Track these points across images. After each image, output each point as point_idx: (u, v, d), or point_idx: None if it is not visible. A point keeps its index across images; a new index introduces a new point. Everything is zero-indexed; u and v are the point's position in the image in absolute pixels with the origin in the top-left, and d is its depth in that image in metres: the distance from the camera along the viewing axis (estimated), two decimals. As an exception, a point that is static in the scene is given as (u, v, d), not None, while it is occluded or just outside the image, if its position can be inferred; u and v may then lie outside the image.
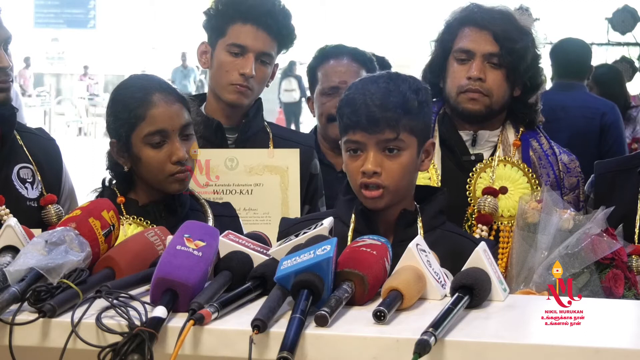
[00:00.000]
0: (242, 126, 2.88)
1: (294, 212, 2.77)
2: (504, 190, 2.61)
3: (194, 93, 14.65)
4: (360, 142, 2.15)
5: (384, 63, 3.59)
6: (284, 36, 2.85)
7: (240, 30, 2.79)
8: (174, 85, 2.53)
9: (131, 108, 2.36)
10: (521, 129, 2.72)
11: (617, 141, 5.06)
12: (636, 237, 2.51)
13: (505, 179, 2.63)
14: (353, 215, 2.23)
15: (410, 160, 2.17)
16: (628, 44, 9.90)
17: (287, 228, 2.23)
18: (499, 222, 2.58)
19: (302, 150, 2.87)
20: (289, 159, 2.81)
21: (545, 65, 2.84)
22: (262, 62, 2.81)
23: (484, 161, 2.67)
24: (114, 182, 2.50)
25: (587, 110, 5.06)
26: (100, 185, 2.52)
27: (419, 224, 2.21)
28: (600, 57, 8.55)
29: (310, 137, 3.19)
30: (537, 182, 2.62)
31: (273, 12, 2.80)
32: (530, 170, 2.65)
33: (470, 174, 2.65)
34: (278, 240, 2.02)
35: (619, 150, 4.94)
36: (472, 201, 2.62)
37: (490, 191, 2.59)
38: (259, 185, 2.79)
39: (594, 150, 4.84)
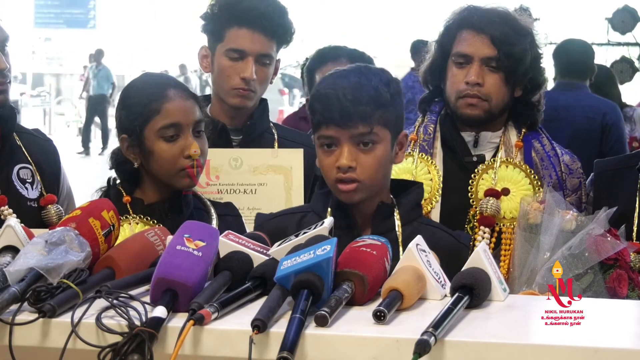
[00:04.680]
0: (247, 128, 2.88)
1: None
2: (506, 191, 2.61)
3: (110, 93, 14.18)
4: (333, 137, 2.15)
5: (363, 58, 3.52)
6: (280, 35, 2.85)
7: (237, 34, 2.79)
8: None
9: (146, 102, 2.38)
10: (523, 130, 2.72)
11: (618, 141, 5.07)
12: (634, 234, 2.52)
13: (507, 180, 2.63)
14: (330, 209, 2.23)
15: (385, 154, 2.18)
16: (628, 44, 9.90)
17: (262, 223, 2.24)
18: (501, 224, 2.58)
19: (308, 152, 2.86)
20: (293, 158, 2.81)
21: (547, 65, 2.83)
22: (262, 63, 2.82)
23: (486, 162, 2.66)
24: (119, 181, 2.51)
25: (589, 110, 5.08)
26: (106, 185, 2.53)
27: (396, 217, 2.22)
28: (600, 57, 8.54)
29: None
30: (539, 183, 2.62)
31: (267, 13, 2.79)
32: (532, 172, 2.64)
33: (472, 176, 2.64)
34: None
35: (620, 150, 4.96)
36: (474, 203, 2.61)
37: (492, 193, 2.59)
38: (263, 185, 2.79)
39: (596, 149, 4.85)
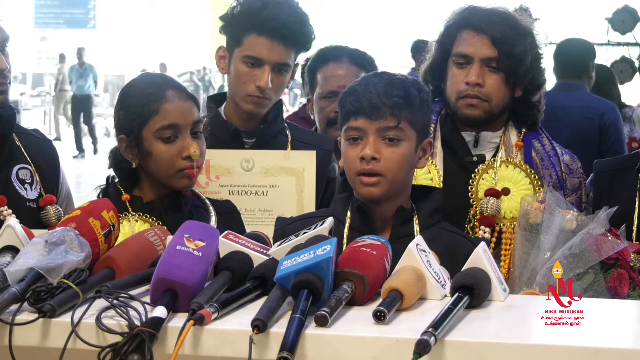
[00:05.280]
0: (260, 132, 2.87)
1: None
2: (506, 191, 2.61)
3: (95, 93, 13.96)
4: (361, 129, 2.17)
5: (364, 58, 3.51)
6: (300, 44, 2.83)
7: (256, 42, 2.76)
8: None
9: (144, 102, 2.39)
10: (523, 130, 2.72)
11: (616, 141, 5.06)
12: (634, 234, 2.51)
13: (507, 180, 2.63)
14: (349, 213, 2.24)
15: (409, 152, 2.20)
16: (628, 44, 9.88)
17: (283, 227, 2.24)
18: (502, 224, 2.58)
19: (321, 154, 2.85)
20: (305, 160, 2.80)
21: (547, 65, 2.83)
22: (279, 71, 2.79)
23: (486, 162, 2.66)
24: (117, 180, 2.51)
25: (587, 111, 5.07)
26: (104, 183, 2.53)
27: (415, 222, 2.23)
28: (600, 57, 8.53)
29: (329, 140, 3.13)
30: (539, 183, 2.62)
31: (288, 23, 2.76)
32: (533, 171, 2.64)
33: (473, 175, 2.64)
34: (274, 239, 2.02)
35: (618, 150, 4.95)
36: (475, 202, 2.61)
37: (492, 193, 2.59)
38: (274, 187, 2.79)
39: (594, 150, 4.85)
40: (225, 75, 2.93)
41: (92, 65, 17.29)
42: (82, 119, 16.85)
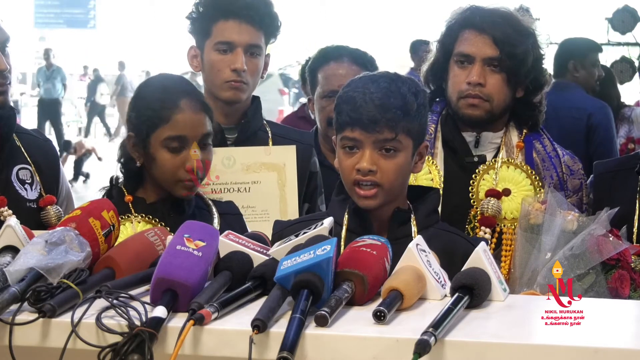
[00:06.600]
0: (241, 126, 2.88)
1: (292, 208, 2.78)
2: (507, 192, 2.60)
3: (62, 96, 13.71)
4: (357, 140, 2.15)
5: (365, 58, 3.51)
6: (268, 25, 2.86)
7: (224, 27, 2.79)
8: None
9: (156, 108, 2.37)
10: (524, 131, 2.72)
11: (603, 142, 5.04)
12: (634, 236, 2.51)
13: (508, 181, 2.62)
14: (346, 215, 2.23)
15: (405, 161, 2.18)
16: (628, 44, 9.89)
17: (281, 230, 2.24)
18: (502, 225, 2.58)
19: (302, 148, 2.87)
20: (286, 155, 2.81)
21: (549, 65, 2.83)
22: (252, 54, 2.82)
23: (487, 163, 2.66)
24: (121, 180, 2.51)
25: (575, 111, 5.07)
26: (108, 184, 2.52)
27: (413, 223, 2.22)
28: (601, 57, 8.53)
29: (309, 135, 3.20)
30: (540, 184, 2.61)
31: (252, 3, 2.80)
32: (533, 172, 2.64)
33: (473, 176, 2.64)
34: (272, 242, 2.02)
35: (606, 151, 4.91)
36: (475, 203, 2.61)
37: (493, 193, 2.59)
38: (256, 183, 2.80)
39: (582, 150, 4.83)
40: None
41: (60, 68, 16.73)
42: (61, 123, 16.26)
